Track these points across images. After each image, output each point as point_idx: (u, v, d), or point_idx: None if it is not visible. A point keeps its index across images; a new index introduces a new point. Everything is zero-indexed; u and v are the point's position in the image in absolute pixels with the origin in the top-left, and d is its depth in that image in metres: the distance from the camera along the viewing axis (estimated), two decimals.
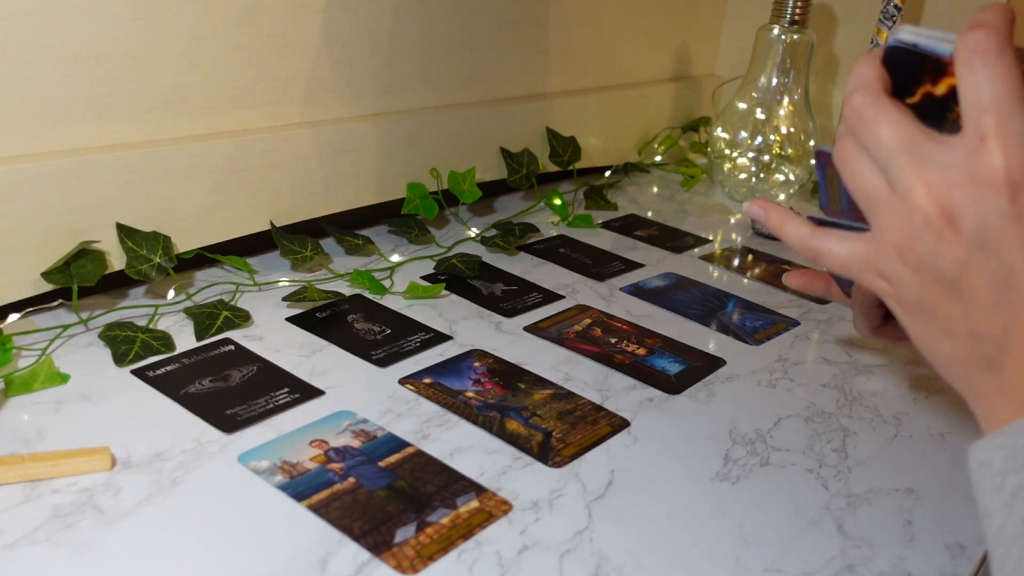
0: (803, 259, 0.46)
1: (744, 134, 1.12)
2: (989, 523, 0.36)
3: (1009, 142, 0.35)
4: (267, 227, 0.78)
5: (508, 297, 0.79)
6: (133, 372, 0.61)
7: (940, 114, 0.38)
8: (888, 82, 0.39)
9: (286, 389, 0.61)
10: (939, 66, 0.38)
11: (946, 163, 0.36)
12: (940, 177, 0.36)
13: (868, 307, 0.53)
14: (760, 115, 1.11)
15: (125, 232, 0.68)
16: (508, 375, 0.65)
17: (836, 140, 0.42)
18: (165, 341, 0.65)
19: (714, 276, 0.89)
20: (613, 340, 0.72)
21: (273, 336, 0.68)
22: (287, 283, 0.77)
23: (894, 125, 0.38)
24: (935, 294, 0.38)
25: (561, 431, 0.59)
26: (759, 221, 0.49)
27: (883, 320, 0.54)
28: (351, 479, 0.52)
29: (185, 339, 0.66)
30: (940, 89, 0.38)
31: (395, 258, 0.86)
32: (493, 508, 0.50)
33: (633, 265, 0.89)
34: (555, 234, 0.97)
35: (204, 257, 0.77)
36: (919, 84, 0.39)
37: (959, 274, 0.37)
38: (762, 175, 1.13)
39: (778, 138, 1.11)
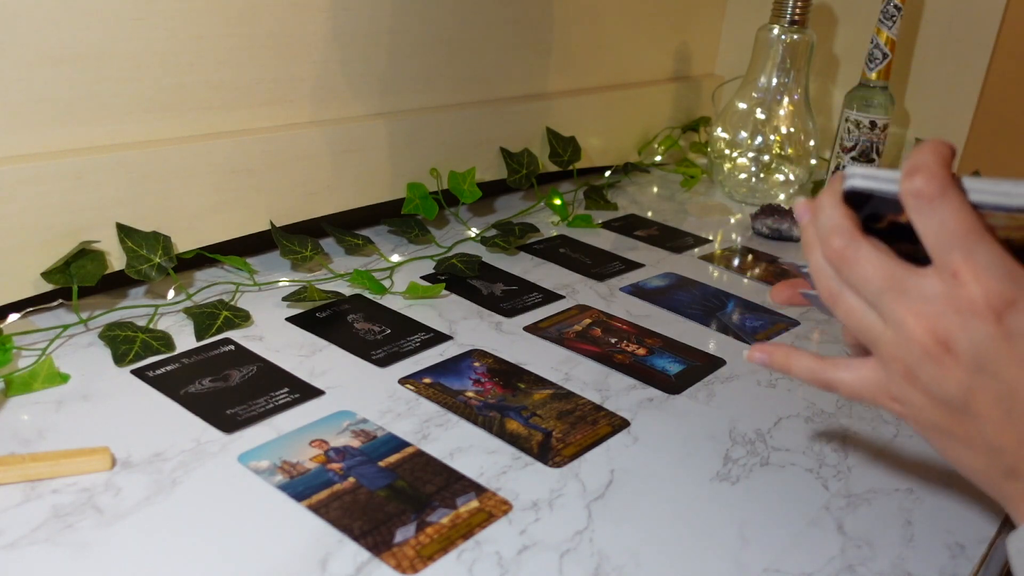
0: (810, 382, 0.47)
1: (744, 134, 1.12)
2: None
3: (980, 273, 0.37)
4: (267, 227, 0.78)
5: (508, 297, 0.79)
6: (133, 372, 0.61)
7: (910, 234, 0.40)
8: (856, 218, 0.41)
9: (286, 389, 0.61)
10: (898, 203, 0.40)
11: (928, 295, 0.38)
12: (927, 308, 0.38)
13: None
14: (760, 115, 1.11)
15: (125, 232, 0.68)
16: (508, 375, 0.65)
17: (815, 276, 0.43)
18: (165, 341, 0.65)
19: (714, 276, 0.89)
20: (613, 340, 0.72)
21: (273, 336, 0.68)
22: (287, 283, 0.77)
23: (874, 264, 0.40)
24: (947, 415, 0.40)
25: (561, 431, 0.59)
26: (764, 365, 0.49)
27: None
28: (351, 479, 0.52)
29: (185, 339, 0.66)
30: (903, 218, 0.40)
31: (395, 258, 0.86)
32: (493, 508, 0.50)
33: (633, 265, 0.89)
34: (555, 234, 0.97)
35: (204, 257, 0.77)
36: (884, 214, 0.41)
37: (966, 396, 0.39)
38: (762, 175, 1.13)
39: (778, 138, 1.11)
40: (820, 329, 0.78)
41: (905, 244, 0.40)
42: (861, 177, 0.41)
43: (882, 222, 0.42)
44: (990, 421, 0.39)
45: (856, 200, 0.42)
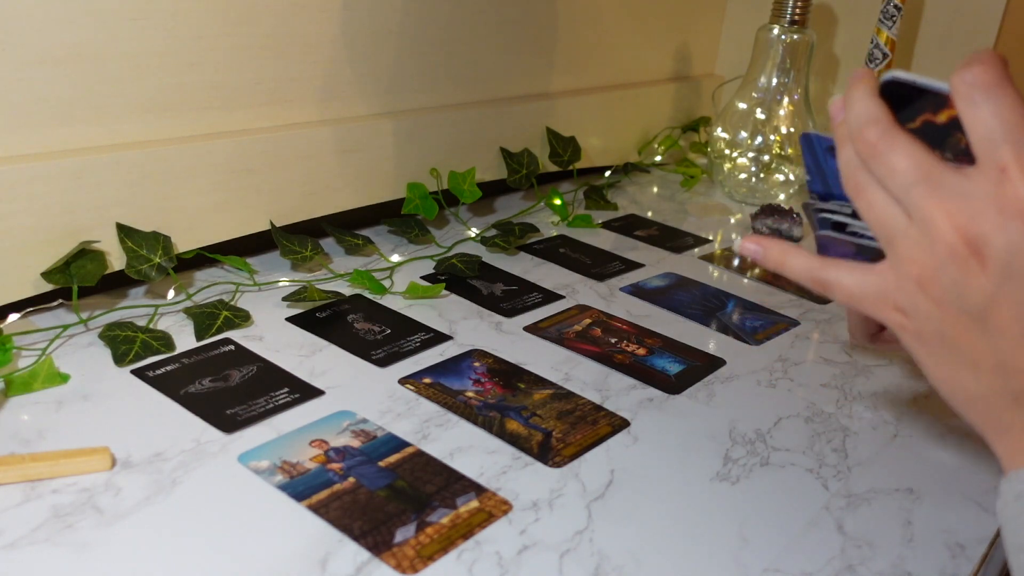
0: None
1: (744, 134, 1.12)
2: None
3: None
4: (267, 227, 0.78)
5: (508, 297, 0.79)
6: (133, 372, 0.61)
7: (941, 139, 0.38)
8: (892, 113, 0.39)
9: (286, 389, 0.61)
10: (938, 99, 0.38)
11: (967, 193, 0.35)
12: (962, 207, 0.35)
13: (866, 316, 0.52)
14: (760, 115, 1.11)
15: (125, 232, 0.68)
16: (508, 375, 0.65)
17: (843, 171, 0.41)
18: (165, 341, 0.65)
19: (714, 276, 0.89)
20: (613, 340, 0.72)
21: (273, 336, 0.68)
22: (287, 283, 0.77)
23: (909, 155, 0.37)
24: (960, 327, 0.37)
25: (561, 431, 0.59)
26: (755, 259, 0.46)
27: (880, 327, 0.53)
28: (351, 479, 0.52)
29: (185, 339, 0.66)
30: (941, 118, 0.38)
31: (395, 258, 0.86)
32: (493, 508, 0.50)
33: (633, 265, 0.89)
34: (555, 234, 0.97)
35: (204, 257, 0.77)
36: (919, 113, 0.39)
37: (986, 306, 0.36)
38: (762, 175, 1.13)
39: (778, 138, 1.11)
40: (820, 329, 0.78)
41: (937, 149, 0.38)
42: (904, 72, 0.39)
43: (915, 122, 0.39)
44: (1007, 337, 0.36)
45: (890, 98, 0.39)
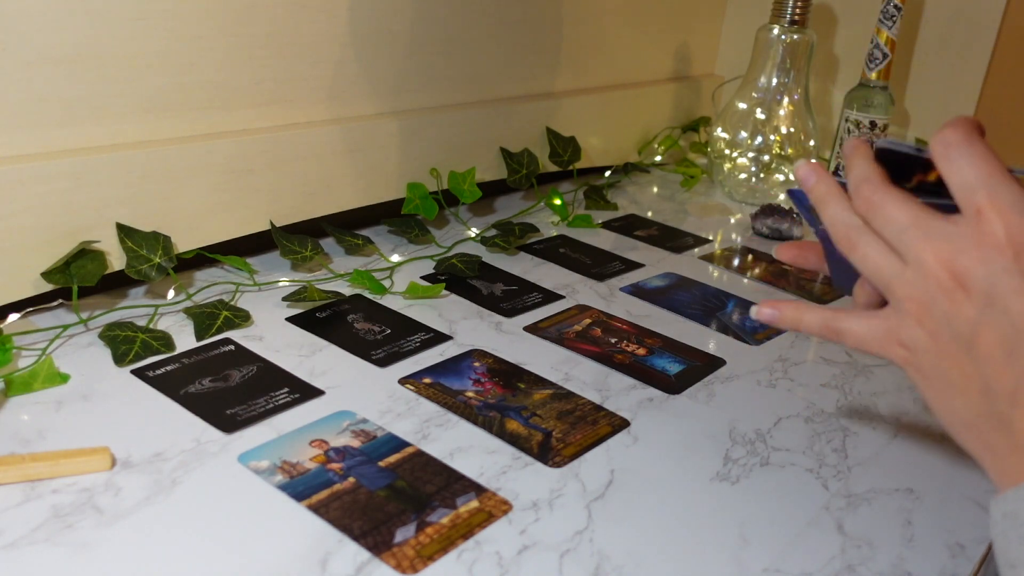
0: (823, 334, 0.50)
1: (744, 134, 1.12)
2: (1014, 574, 0.37)
3: (1004, 210, 0.38)
4: (267, 227, 0.78)
5: (508, 297, 0.79)
6: (133, 372, 0.61)
7: (936, 194, 0.42)
8: (886, 174, 0.44)
9: (286, 389, 0.61)
10: (927, 164, 0.43)
11: (952, 235, 0.40)
12: (948, 246, 0.40)
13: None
14: (760, 115, 1.11)
15: (125, 232, 0.68)
16: (508, 375, 0.65)
17: (833, 230, 0.45)
18: (165, 341, 0.65)
19: (714, 276, 0.89)
20: (613, 340, 0.72)
21: (273, 336, 0.68)
22: (287, 283, 0.77)
23: (901, 205, 0.42)
24: (950, 355, 0.41)
25: (561, 431, 0.59)
26: (773, 324, 0.51)
27: None
28: (351, 479, 0.52)
29: (185, 339, 0.66)
30: (931, 177, 0.43)
31: (395, 258, 0.86)
32: (493, 508, 0.50)
33: (633, 265, 0.89)
34: (555, 234, 0.97)
35: (204, 257, 0.77)
36: (912, 174, 0.44)
37: (972, 333, 0.39)
38: (762, 175, 1.13)
39: (778, 138, 1.11)
40: None
41: (931, 201, 0.42)
42: (890, 142, 0.44)
43: (911, 182, 0.44)
44: (992, 361, 0.39)
45: (885, 163, 0.44)
